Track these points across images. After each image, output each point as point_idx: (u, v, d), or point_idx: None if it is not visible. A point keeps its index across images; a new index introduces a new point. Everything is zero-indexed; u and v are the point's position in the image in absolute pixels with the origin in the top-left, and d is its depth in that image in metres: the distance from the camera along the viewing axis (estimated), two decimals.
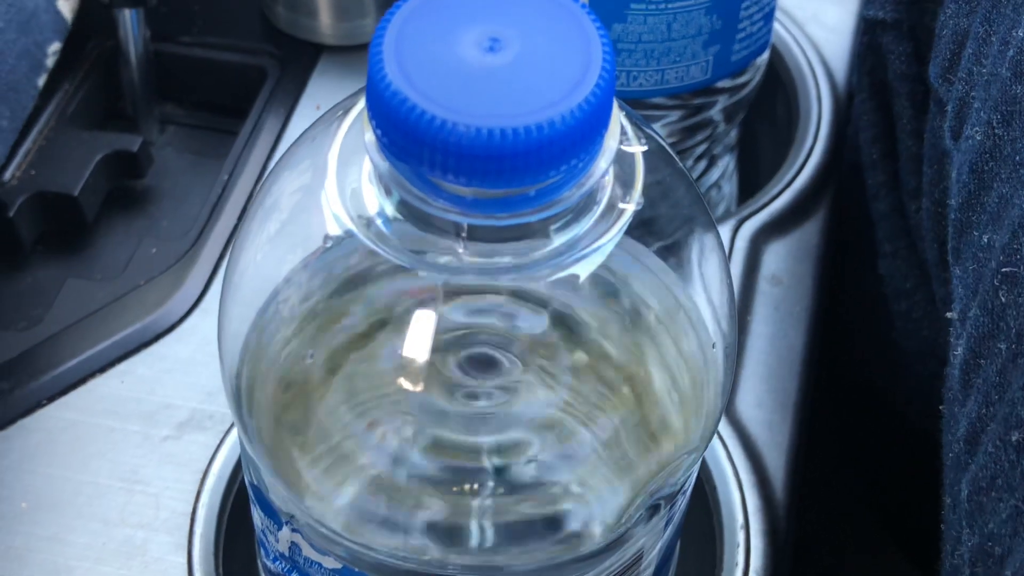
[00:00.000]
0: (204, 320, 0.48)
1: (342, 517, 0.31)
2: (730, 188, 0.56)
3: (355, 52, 0.57)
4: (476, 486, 0.30)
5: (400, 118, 0.25)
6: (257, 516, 0.34)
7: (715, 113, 0.50)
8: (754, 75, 0.51)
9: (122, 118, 0.58)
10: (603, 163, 0.27)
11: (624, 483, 0.31)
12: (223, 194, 0.52)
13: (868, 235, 0.51)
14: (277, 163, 0.32)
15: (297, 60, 0.57)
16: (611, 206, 0.28)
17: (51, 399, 0.45)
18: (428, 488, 0.30)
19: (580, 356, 0.31)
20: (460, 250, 0.27)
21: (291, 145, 0.31)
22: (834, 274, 0.52)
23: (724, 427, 0.45)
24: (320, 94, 0.55)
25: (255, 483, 0.33)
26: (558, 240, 0.28)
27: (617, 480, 0.31)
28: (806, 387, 0.47)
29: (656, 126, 0.48)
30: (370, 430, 0.30)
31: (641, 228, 0.29)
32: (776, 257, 0.50)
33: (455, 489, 0.30)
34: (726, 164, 0.54)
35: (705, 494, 0.44)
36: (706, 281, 0.32)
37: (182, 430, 0.45)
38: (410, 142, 0.25)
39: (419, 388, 0.29)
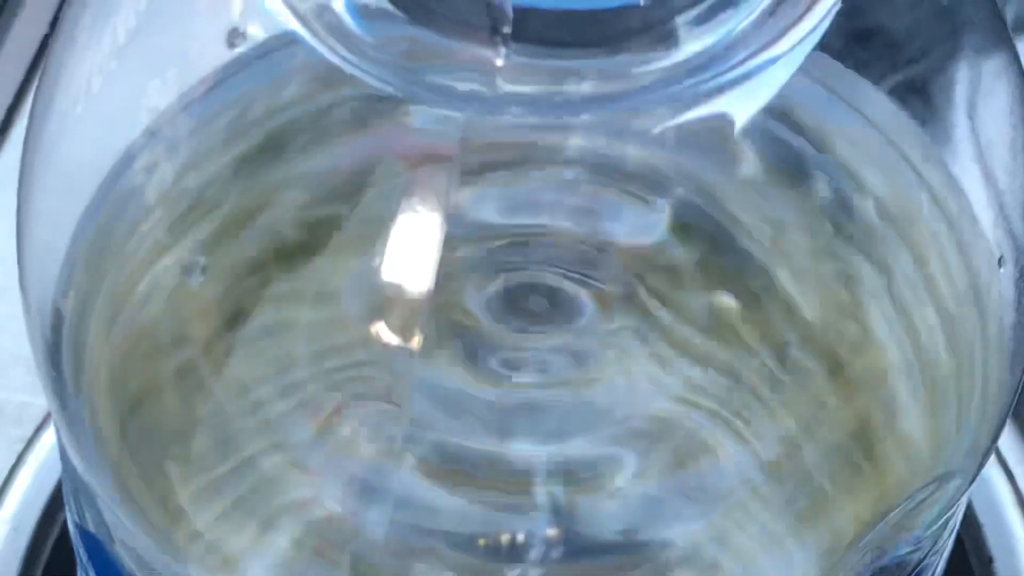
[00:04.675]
0: None
1: None
2: None
3: None
4: (518, 540, 0.23)
5: None
6: None
7: None
8: None
9: None
10: None
11: (811, 540, 0.23)
12: None
13: None
14: None
15: None
16: None
17: None
18: (427, 542, 0.23)
19: (728, 294, 0.23)
20: (499, 65, 0.20)
21: None
22: None
23: (1011, 439, 0.36)
24: None
25: (88, 529, 0.26)
26: (690, 46, 0.20)
27: (795, 535, 0.23)
28: None
29: None
30: (317, 431, 0.23)
31: (856, 43, 0.22)
32: None
33: (480, 544, 0.23)
34: None
35: (971, 567, 0.35)
36: (984, 145, 0.23)
37: None
38: None
39: (412, 347, 0.22)
